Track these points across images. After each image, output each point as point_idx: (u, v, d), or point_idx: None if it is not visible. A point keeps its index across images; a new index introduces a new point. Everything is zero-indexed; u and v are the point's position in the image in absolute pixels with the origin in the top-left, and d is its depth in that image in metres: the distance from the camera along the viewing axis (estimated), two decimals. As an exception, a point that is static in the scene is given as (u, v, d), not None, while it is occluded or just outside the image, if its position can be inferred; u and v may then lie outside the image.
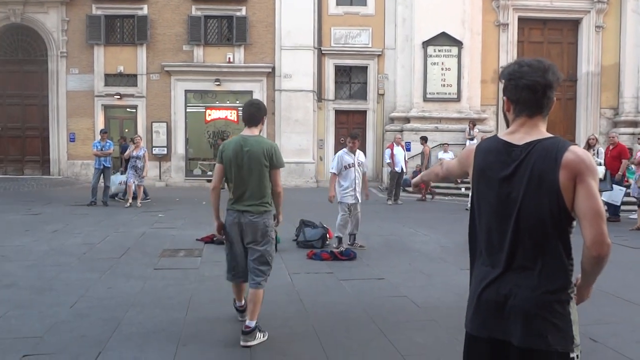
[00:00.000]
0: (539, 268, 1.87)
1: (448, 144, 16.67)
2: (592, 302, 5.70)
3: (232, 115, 19.46)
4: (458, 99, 18.36)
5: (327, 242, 8.30)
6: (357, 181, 8.05)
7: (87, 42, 18.64)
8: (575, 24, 19.54)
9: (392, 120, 18.94)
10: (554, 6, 19.03)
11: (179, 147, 19.17)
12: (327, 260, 7.33)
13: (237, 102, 19.55)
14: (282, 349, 4.19)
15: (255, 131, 4.45)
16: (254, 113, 4.46)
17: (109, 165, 13.32)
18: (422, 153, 16.06)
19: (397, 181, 14.43)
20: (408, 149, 17.11)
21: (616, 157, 11.65)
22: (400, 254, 7.90)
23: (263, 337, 4.32)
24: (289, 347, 4.22)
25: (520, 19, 19.21)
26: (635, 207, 11.12)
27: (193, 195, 14.74)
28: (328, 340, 4.36)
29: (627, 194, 11.50)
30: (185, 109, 19.28)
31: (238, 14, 18.75)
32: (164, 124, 18.90)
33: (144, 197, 13.43)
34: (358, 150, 8.25)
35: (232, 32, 18.80)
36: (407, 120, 18.46)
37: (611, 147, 11.89)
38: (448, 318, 4.96)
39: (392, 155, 14.33)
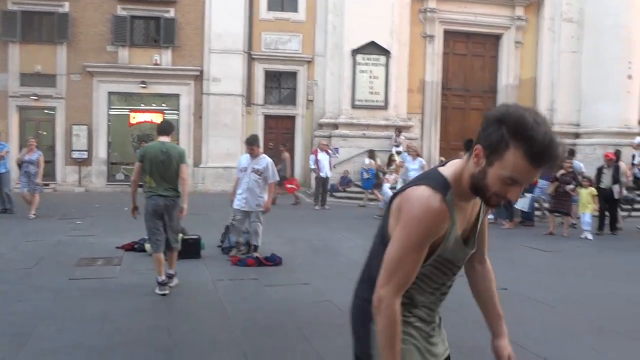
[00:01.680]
0: None
1: (374, 150, 16.97)
2: (506, 303, 5.92)
3: (158, 118, 18.91)
4: (385, 107, 18.74)
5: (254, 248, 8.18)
6: (249, 188, 7.52)
7: (0, 38, 17.59)
8: (496, 38, 20.45)
9: (320, 126, 19.07)
10: (477, 21, 19.84)
11: (101, 151, 18.41)
12: (252, 266, 7.25)
13: (164, 105, 19.05)
14: (204, 357, 4.08)
15: (168, 139, 6.18)
16: (167, 127, 6.40)
17: (4, 171, 12.27)
18: (283, 160, 15.52)
19: (323, 186, 14.54)
20: (336, 155, 17.29)
21: None
22: (326, 259, 7.93)
23: (177, 281, 6.13)
24: (210, 356, 4.12)
25: (446, 32, 19.87)
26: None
27: (114, 201, 14.18)
28: (250, 347, 4.29)
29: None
30: (108, 111, 18.54)
31: (166, 15, 18.29)
32: (85, 127, 18.09)
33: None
34: (263, 156, 7.70)
35: (159, 33, 18.30)
36: (336, 126, 18.65)
37: None
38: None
39: (316, 161, 14.42)
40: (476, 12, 19.76)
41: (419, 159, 13.03)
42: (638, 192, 12.59)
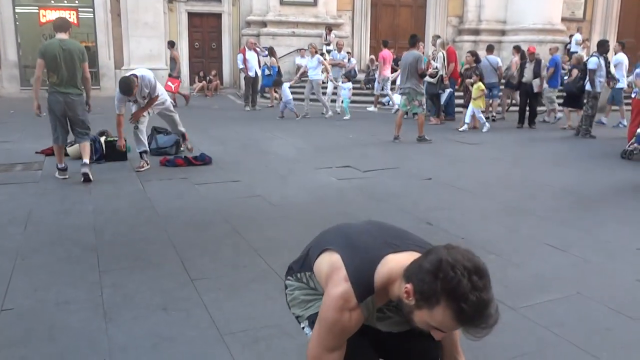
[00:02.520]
0: None
1: (305, 49, 16.62)
2: (430, 191, 6.20)
3: (71, 16, 17.47)
4: (315, 4, 18.14)
5: (182, 148, 8.04)
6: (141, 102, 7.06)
7: None
8: None
9: (248, 24, 18.31)
10: None
11: (10, 53, 16.98)
12: (181, 166, 7.15)
13: (76, 1, 17.57)
14: (134, 254, 4.08)
15: (66, 36, 6.29)
16: (63, 24, 6.44)
17: None
18: (172, 58, 14.96)
19: (253, 87, 14.22)
20: (265, 55, 16.79)
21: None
22: (257, 158, 7.92)
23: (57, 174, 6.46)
24: (141, 252, 4.12)
25: None
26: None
27: (31, 107, 13.30)
28: (181, 242, 4.32)
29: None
30: (14, 9, 16.92)
31: None
32: (-11, 26, 16.53)
33: None
34: (142, 76, 6.83)
35: None
36: (264, 24, 17.96)
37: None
38: (300, 214, 5.14)
39: (244, 60, 13.97)
40: None
41: (317, 55, 12.89)
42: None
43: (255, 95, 14.33)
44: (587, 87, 10.35)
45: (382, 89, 14.49)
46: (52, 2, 17.41)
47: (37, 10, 17.29)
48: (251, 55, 14.01)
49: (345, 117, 12.56)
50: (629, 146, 8.48)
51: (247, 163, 7.51)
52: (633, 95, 9.21)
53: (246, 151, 8.44)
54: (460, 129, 11.11)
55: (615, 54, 12.65)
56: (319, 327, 1.71)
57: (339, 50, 13.81)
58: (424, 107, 10.00)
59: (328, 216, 4.71)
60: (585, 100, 10.59)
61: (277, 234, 4.58)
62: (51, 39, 6.43)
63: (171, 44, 15.08)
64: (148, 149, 7.17)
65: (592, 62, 10.20)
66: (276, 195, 5.79)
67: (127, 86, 6.55)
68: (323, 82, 15.70)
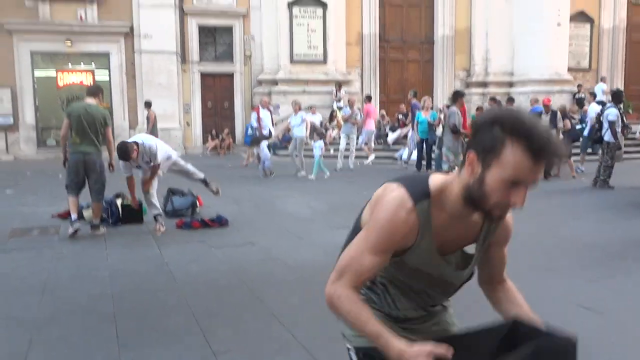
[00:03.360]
0: None
1: (316, 106, 16.95)
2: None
3: (87, 79, 17.99)
4: (324, 61, 18.55)
5: (198, 211, 8.03)
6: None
7: None
8: (431, -12, 20.48)
9: (260, 82, 18.70)
10: (412, -30, 19.76)
11: (28, 115, 17.39)
12: (197, 228, 7.11)
13: (93, 64, 18.09)
14: (154, 324, 3.98)
15: (94, 101, 6.83)
16: (94, 90, 7.08)
17: None
18: (147, 119, 14.97)
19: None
20: (277, 112, 17.05)
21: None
22: (271, 217, 7.88)
23: (104, 229, 6.92)
24: (161, 323, 4.02)
25: (382, -18, 19.71)
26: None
27: (47, 168, 13.49)
28: (201, 310, 4.21)
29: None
30: (33, 73, 17.45)
31: (89, -33, 17.17)
32: (8, 90, 16.98)
33: None
34: (142, 143, 6.79)
35: (82, -14, 17.20)
36: (275, 82, 18.33)
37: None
38: (319, 277, 5.02)
39: (258, 119, 14.14)
40: (411, -39, 19.65)
41: (300, 112, 12.86)
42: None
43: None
44: (607, 137, 10.31)
45: (365, 143, 14.80)
46: (70, 65, 17.92)
47: (55, 74, 17.80)
48: (265, 114, 14.19)
49: (310, 177, 12.03)
50: None
51: (262, 223, 7.46)
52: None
53: (261, 211, 8.41)
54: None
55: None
56: (366, 230, 1.58)
57: (351, 106, 13.96)
58: (450, 163, 9.86)
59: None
60: (604, 151, 10.53)
61: (297, 299, 4.47)
62: (79, 102, 7.10)
63: (148, 104, 15.17)
64: (161, 211, 7.16)
65: (613, 114, 10.17)
66: (293, 257, 5.70)
67: (123, 152, 6.57)
68: (334, 139, 15.87)
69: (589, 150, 12.94)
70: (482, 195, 1.44)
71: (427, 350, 1.39)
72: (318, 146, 12.33)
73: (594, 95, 17.95)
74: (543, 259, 5.62)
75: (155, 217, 7.00)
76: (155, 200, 7.10)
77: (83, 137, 6.62)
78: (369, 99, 15.26)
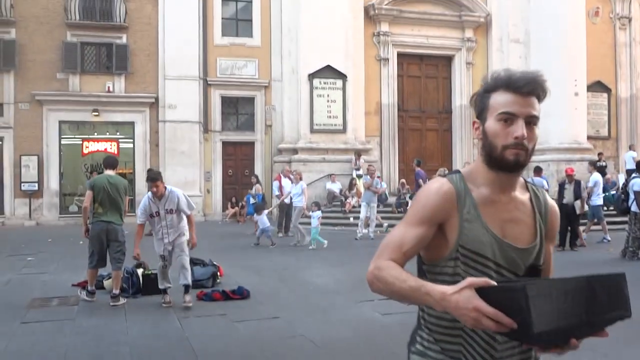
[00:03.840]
0: None
1: (335, 175, 17.06)
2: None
3: (112, 147, 18.40)
4: (344, 130, 18.80)
5: (219, 281, 7.92)
6: (166, 230, 6.69)
7: (-57, 67, 16.83)
8: (448, 60, 20.92)
9: (280, 151, 18.94)
10: (429, 43, 20.26)
11: (53, 182, 17.71)
12: (218, 300, 6.97)
13: (118, 133, 18.56)
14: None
15: (113, 172, 7.16)
16: (112, 162, 7.36)
17: None
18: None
19: (287, 213, 14.33)
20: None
21: None
22: (295, 289, 7.72)
23: (124, 300, 6.84)
24: (180, 404, 3.85)
25: (400, 54, 20.20)
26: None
27: (68, 234, 13.57)
28: (223, 391, 4.04)
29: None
30: (60, 141, 17.91)
31: (118, 41, 17.90)
32: (35, 158, 17.39)
33: None
34: (170, 190, 6.73)
35: (111, 60, 17.89)
36: (295, 151, 18.56)
37: None
38: (347, 356, 4.85)
39: (280, 187, 14.24)
40: (428, 34, 20.22)
41: (301, 182, 12.98)
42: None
43: (289, 221, 14.40)
44: (633, 208, 10.12)
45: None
46: (96, 134, 18.39)
47: (80, 142, 18.25)
48: (286, 182, 14.33)
49: (310, 247, 11.76)
50: None
51: (285, 296, 7.30)
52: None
53: (283, 282, 8.26)
54: None
55: (590, 174, 13.22)
56: (407, 212, 1.68)
57: (371, 176, 14.00)
58: None
59: (377, 358, 4.42)
60: (631, 222, 10.31)
61: (324, 380, 4.28)
62: (100, 174, 7.43)
63: (257, 178, 15.63)
64: (171, 285, 6.83)
65: (638, 184, 10.04)
66: (319, 333, 5.52)
67: (155, 174, 6.79)
68: (354, 207, 15.83)
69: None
70: (490, 144, 1.58)
71: (466, 282, 1.36)
72: (315, 216, 12.13)
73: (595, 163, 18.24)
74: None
75: (163, 291, 6.79)
76: (167, 275, 6.83)
77: (107, 207, 6.87)
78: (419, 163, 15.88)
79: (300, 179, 13.24)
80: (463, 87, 20.67)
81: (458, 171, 1.67)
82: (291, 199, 14.29)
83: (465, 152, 20.57)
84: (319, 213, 12.37)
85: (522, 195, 1.68)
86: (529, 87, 1.55)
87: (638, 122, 21.97)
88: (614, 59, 21.35)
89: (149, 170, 7.17)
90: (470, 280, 1.36)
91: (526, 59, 20.15)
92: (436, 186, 1.62)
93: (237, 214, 18.23)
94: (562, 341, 1.38)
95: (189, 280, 6.74)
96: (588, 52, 19.68)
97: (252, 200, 15.24)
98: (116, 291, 6.79)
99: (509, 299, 1.30)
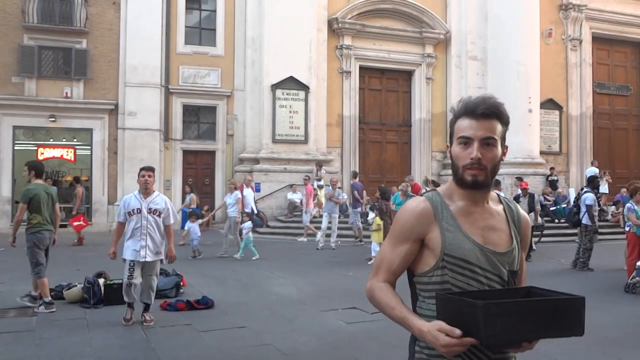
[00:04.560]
0: None
1: (296, 185, 17.17)
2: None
3: (68, 154, 17.97)
4: (305, 141, 18.91)
5: (182, 291, 7.87)
6: (146, 232, 6.19)
7: None
8: (409, 74, 21.36)
9: (241, 161, 18.89)
10: (391, 58, 20.66)
11: (4, 189, 17.13)
12: (183, 310, 6.93)
13: (75, 140, 18.13)
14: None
15: (42, 181, 7.29)
16: (43, 170, 7.50)
17: None
18: (75, 195, 14.99)
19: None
20: (258, 190, 17.15)
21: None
22: (259, 299, 7.74)
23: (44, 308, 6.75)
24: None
25: (362, 68, 20.50)
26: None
27: (22, 243, 13.10)
28: (193, 401, 4.05)
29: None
30: (13, 146, 17.36)
31: (78, 46, 17.53)
32: (-14, 164, 16.81)
33: None
34: (158, 193, 6.54)
35: (70, 65, 17.48)
36: (257, 161, 18.55)
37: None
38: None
39: (242, 197, 14.20)
40: (389, 49, 20.62)
41: (236, 192, 12.71)
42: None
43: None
44: (584, 221, 10.60)
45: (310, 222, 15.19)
46: (52, 140, 17.93)
47: (35, 148, 17.75)
48: (248, 192, 14.31)
49: (253, 258, 11.57)
50: (630, 280, 8.49)
51: (250, 305, 7.31)
52: (626, 229, 9.40)
53: (247, 292, 8.26)
54: (369, 262, 10.62)
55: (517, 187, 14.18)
56: (389, 233, 1.87)
57: (333, 186, 14.16)
58: None
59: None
60: (582, 234, 10.76)
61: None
62: (35, 184, 7.12)
63: (76, 180, 15.06)
64: (136, 299, 6.30)
65: (589, 198, 10.54)
66: (286, 343, 5.57)
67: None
68: (314, 217, 15.93)
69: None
70: (454, 165, 1.79)
71: (437, 326, 1.57)
72: (246, 227, 12.03)
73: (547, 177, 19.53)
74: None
75: (128, 304, 6.32)
76: (137, 290, 6.29)
77: (46, 216, 6.99)
78: (309, 178, 16.27)
79: (236, 188, 12.87)
80: (422, 102, 21.13)
81: (434, 189, 1.88)
82: (252, 209, 14.34)
83: (424, 165, 21.02)
84: (249, 224, 12.29)
85: (495, 206, 1.86)
86: (480, 109, 1.73)
87: (587, 139, 22.92)
88: (565, 79, 22.24)
89: (148, 168, 6.70)
90: (439, 325, 1.57)
91: (483, 76, 20.79)
92: (413, 205, 1.80)
93: (197, 223, 18.04)
94: (514, 347, 1.62)
95: (152, 300, 6.38)
96: (542, 71, 20.48)
97: (188, 210, 14.72)
98: (35, 293, 6.99)
99: (471, 312, 1.51)
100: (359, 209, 14.88)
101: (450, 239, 1.72)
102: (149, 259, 6.24)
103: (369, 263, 10.74)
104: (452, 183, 1.82)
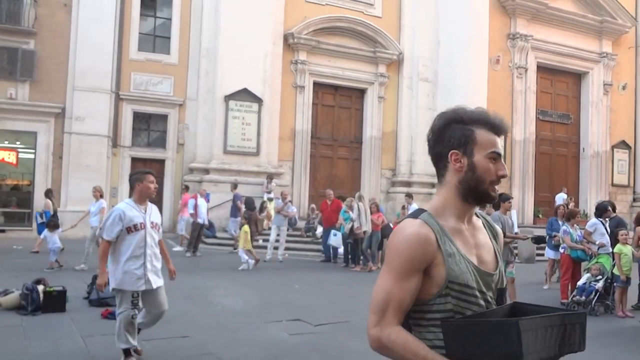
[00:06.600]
0: None
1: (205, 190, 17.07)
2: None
3: (10, 157, 17.33)
4: (257, 154, 18.93)
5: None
6: (152, 252, 5.04)
7: None
8: (361, 92, 21.74)
9: (191, 170, 18.70)
10: (344, 75, 21.00)
11: (-62, 190, 16.39)
12: (125, 319, 6.80)
13: (18, 143, 17.53)
14: None
15: None
16: None
17: None
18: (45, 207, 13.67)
19: (199, 233, 14.21)
20: (207, 200, 17.01)
21: (335, 210, 14.27)
22: (203, 309, 7.71)
23: None
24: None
25: (316, 83, 20.74)
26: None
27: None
28: (132, 409, 4.02)
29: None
30: (-50, 147, 16.66)
31: (25, 47, 17.00)
32: None
33: None
34: (149, 203, 5.28)
35: (15, 65, 16.92)
36: (207, 171, 18.41)
37: (329, 202, 14.75)
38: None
39: (195, 206, 14.11)
40: (343, 67, 20.96)
41: (101, 200, 11.84)
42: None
43: (199, 241, 14.28)
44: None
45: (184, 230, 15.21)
46: (-7, 142, 17.27)
47: (-26, 150, 17.06)
48: (202, 202, 14.26)
49: (78, 266, 10.50)
50: (571, 299, 8.70)
51: (194, 315, 7.27)
52: (561, 251, 9.81)
53: (191, 302, 8.20)
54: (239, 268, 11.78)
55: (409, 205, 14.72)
56: (386, 264, 1.67)
57: (283, 199, 14.24)
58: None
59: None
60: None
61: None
62: None
63: (48, 193, 14.19)
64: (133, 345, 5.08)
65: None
66: (229, 353, 5.59)
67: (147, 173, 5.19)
68: (263, 229, 15.93)
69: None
70: (478, 178, 1.70)
71: None
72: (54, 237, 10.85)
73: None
74: None
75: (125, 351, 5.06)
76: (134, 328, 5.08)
77: None
78: (187, 188, 16.43)
79: (101, 196, 11.96)
80: (374, 120, 21.53)
81: (423, 210, 1.72)
82: (204, 220, 14.24)
83: (373, 182, 21.36)
84: (54, 235, 11.13)
85: (477, 222, 1.83)
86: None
87: (529, 163, 23.87)
88: (511, 104, 23.13)
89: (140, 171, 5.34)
90: None
91: (433, 97, 21.42)
92: (413, 231, 1.63)
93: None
94: None
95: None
96: (489, 96, 21.27)
97: (39, 220, 12.97)
98: None
99: (500, 332, 1.46)
100: (238, 218, 14.61)
101: (452, 264, 1.64)
102: (159, 284, 5.11)
103: (239, 269, 11.78)
104: (448, 198, 1.73)
